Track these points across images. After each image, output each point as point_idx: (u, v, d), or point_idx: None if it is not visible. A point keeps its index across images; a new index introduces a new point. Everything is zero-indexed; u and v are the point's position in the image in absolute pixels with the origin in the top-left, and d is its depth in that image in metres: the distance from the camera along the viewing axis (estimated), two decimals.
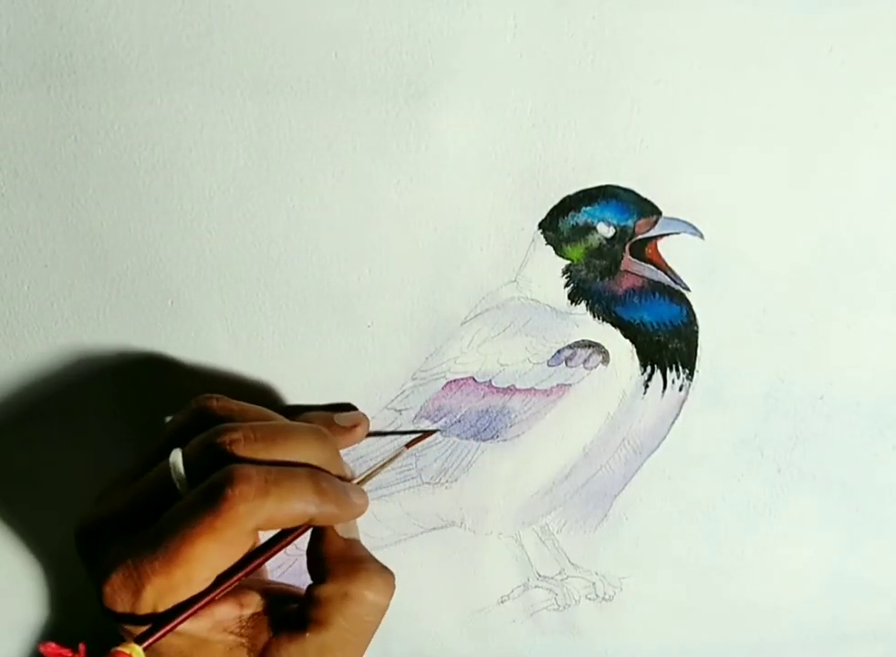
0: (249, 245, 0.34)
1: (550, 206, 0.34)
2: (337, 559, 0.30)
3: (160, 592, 0.27)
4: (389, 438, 0.37)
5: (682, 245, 0.35)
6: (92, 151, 0.32)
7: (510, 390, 0.37)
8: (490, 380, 0.37)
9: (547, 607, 0.42)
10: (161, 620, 0.27)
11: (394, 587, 0.30)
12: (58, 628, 0.41)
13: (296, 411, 0.36)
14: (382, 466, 0.35)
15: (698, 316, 0.36)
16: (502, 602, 0.41)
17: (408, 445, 0.36)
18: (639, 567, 0.41)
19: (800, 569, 0.42)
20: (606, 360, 0.36)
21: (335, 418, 0.35)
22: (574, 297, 0.36)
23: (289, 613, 0.31)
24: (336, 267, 0.35)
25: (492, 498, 0.39)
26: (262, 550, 0.29)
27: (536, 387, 0.37)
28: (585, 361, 0.36)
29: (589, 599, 0.41)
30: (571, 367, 0.36)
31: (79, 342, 0.36)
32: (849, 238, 0.35)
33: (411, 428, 0.37)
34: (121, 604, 0.27)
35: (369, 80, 0.32)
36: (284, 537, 0.30)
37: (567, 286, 0.35)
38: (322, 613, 0.29)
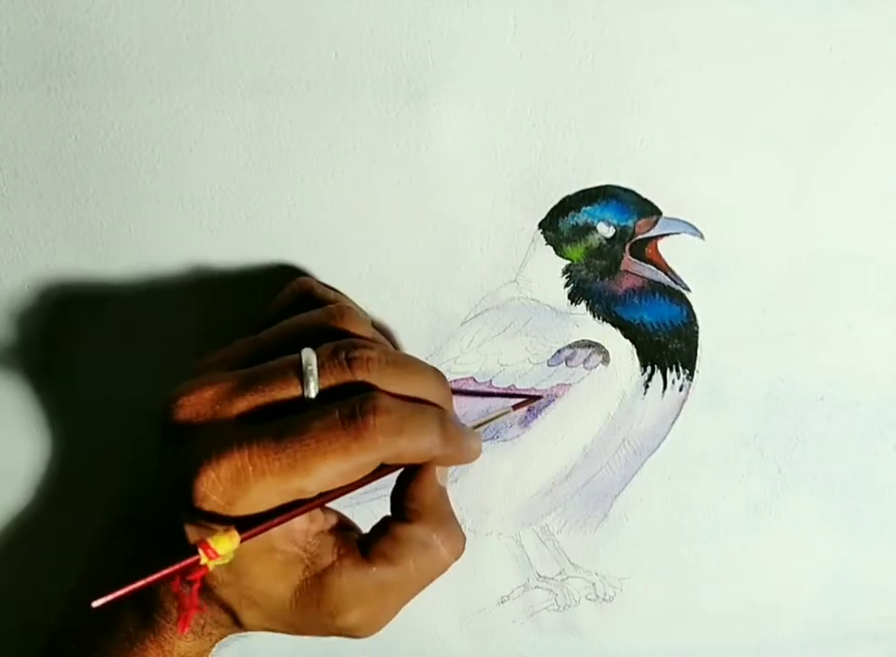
0: (250, 244, 0.34)
1: (550, 206, 0.34)
2: (430, 506, 0.29)
3: (267, 494, 0.25)
4: None
5: (683, 246, 0.35)
6: (92, 151, 0.32)
7: (510, 390, 0.37)
8: (490, 381, 0.37)
9: (547, 607, 0.42)
10: (245, 521, 0.25)
11: (463, 551, 0.30)
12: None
13: None
14: (492, 420, 0.35)
15: (698, 316, 0.36)
16: (502, 603, 0.41)
17: (515, 407, 0.35)
18: (639, 567, 0.41)
19: (800, 569, 0.42)
20: (606, 361, 0.36)
21: None
22: (574, 297, 0.36)
23: (355, 542, 0.29)
24: (336, 267, 0.35)
25: (492, 499, 0.39)
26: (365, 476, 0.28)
27: (537, 387, 0.37)
28: (585, 361, 0.36)
29: (589, 599, 0.41)
30: (571, 367, 0.36)
31: (79, 341, 0.36)
32: (850, 238, 0.35)
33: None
34: (221, 494, 0.25)
35: (369, 80, 0.32)
36: (385, 466, 0.29)
37: (567, 286, 0.35)
38: (396, 551, 0.29)
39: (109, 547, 0.35)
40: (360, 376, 0.27)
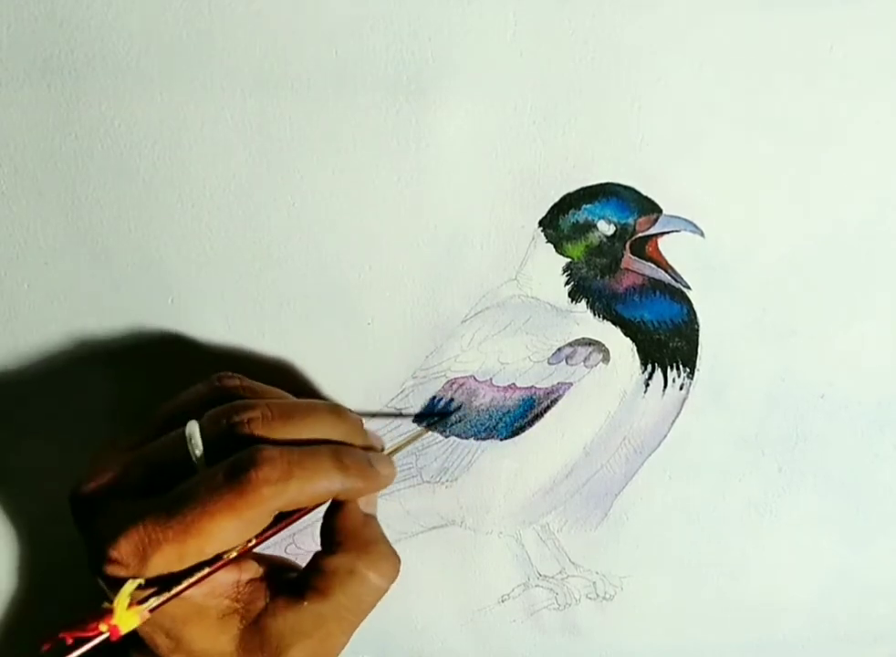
0: (249, 243, 0.34)
1: (551, 204, 0.34)
2: (351, 534, 0.30)
3: (168, 561, 0.26)
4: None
5: (683, 243, 0.35)
6: (93, 149, 0.32)
7: (510, 388, 0.37)
8: (490, 379, 0.37)
9: (548, 606, 0.41)
10: (162, 586, 0.27)
11: (398, 573, 0.31)
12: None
13: None
14: (407, 443, 0.35)
15: (699, 314, 0.36)
16: (502, 602, 0.41)
17: (428, 427, 0.36)
18: (639, 566, 0.41)
19: (800, 569, 0.41)
20: (606, 359, 0.36)
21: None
22: (574, 295, 0.35)
23: (287, 581, 0.31)
24: (336, 265, 0.35)
25: (492, 497, 0.39)
26: (274, 522, 0.29)
27: (537, 385, 0.37)
28: (585, 360, 0.36)
29: (590, 598, 0.41)
30: (572, 365, 0.36)
31: (79, 341, 0.36)
32: (850, 237, 0.35)
33: (412, 427, 0.37)
34: (125, 569, 0.26)
35: (369, 78, 0.32)
36: (298, 510, 0.29)
37: (567, 284, 0.35)
38: (324, 583, 0.29)
39: None
40: (245, 436, 0.28)
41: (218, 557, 0.28)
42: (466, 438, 0.38)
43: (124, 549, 0.26)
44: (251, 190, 0.33)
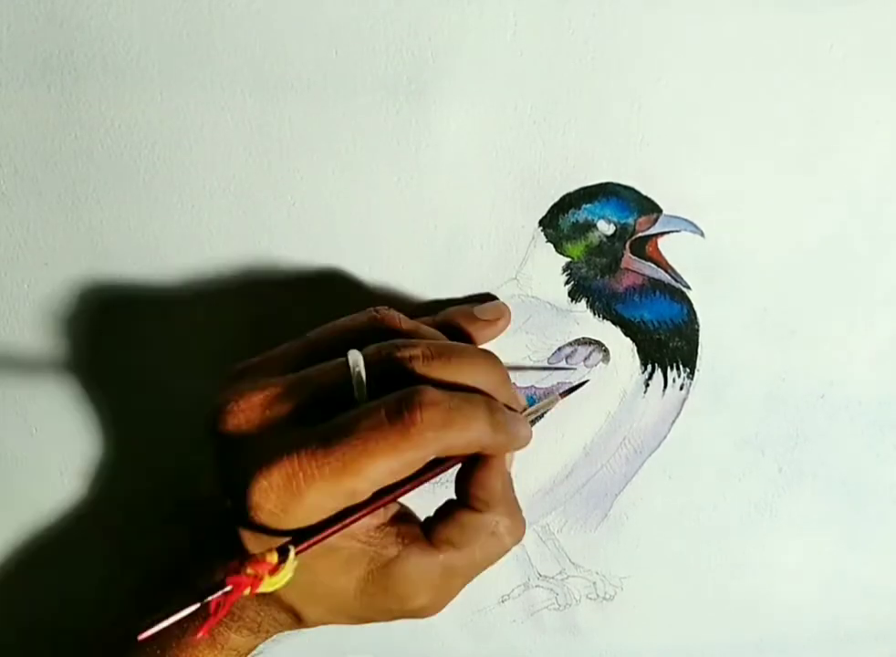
0: (249, 243, 0.34)
1: (551, 204, 0.34)
2: (498, 495, 0.29)
3: (321, 498, 0.25)
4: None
5: (683, 243, 0.35)
6: (92, 149, 0.32)
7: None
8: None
9: (548, 606, 0.41)
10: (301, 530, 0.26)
11: (523, 537, 0.31)
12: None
13: (436, 307, 0.35)
14: (540, 409, 0.33)
15: (699, 314, 0.36)
16: (502, 602, 0.41)
17: (562, 395, 0.34)
18: (639, 566, 0.41)
19: (800, 569, 0.41)
20: (606, 359, 0.36)
21: (475, 311, 0.34)
22: (574, 295, 0.35)
23: (419, 528, 0.30)
24: (336, 265, 0.35)
25: None
26: (421, 472, 0.28)
27: (537, 385, 0.36)
28: (585, 359, 0.36)
29: (590, 598, 0.41)
30: (572, 365, 0.36)
31: (79, 340, 0.36)
32: (850, 237, 0.35)
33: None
34: (275, 503, 0.25)
35: (369, 78, 0.32)
36: (441, 463, 0.29)
37: (567, 283, 0.35)
38: (463, 538, 0.29)
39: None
40: (407, 373, 0.27)
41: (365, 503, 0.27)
42: None
43: (276, 480, 0.25)
44: (251, 190, 0.33)
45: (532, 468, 0.38)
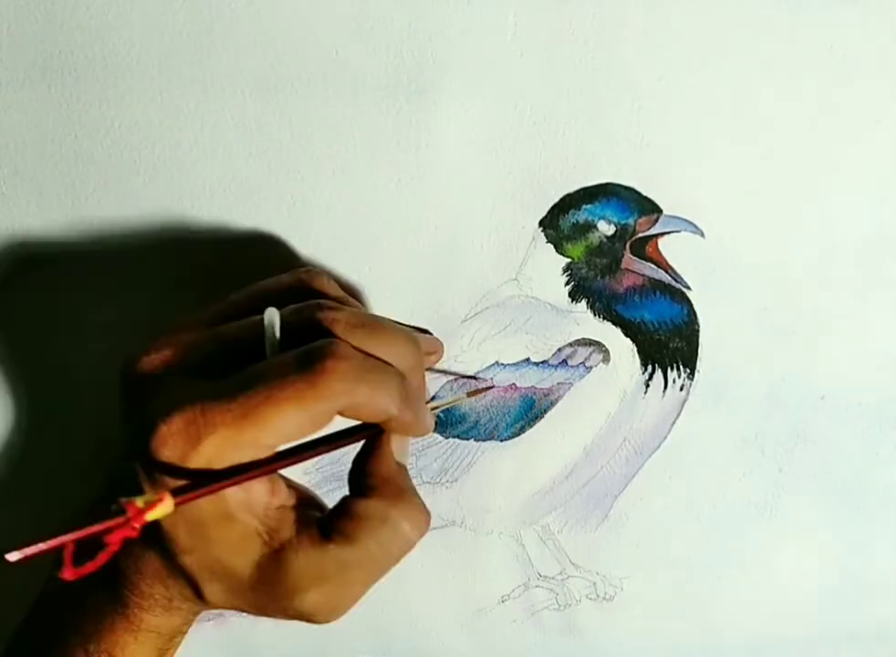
0: (249, 244, 0.34)
1: (551, 204, 0.34)
2: (386, 480, 0.29)
3: (220, 447, 0.25)
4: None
5: (683, 244, 0.35)
6: (92, 150, 0.32)
7: (511, 388, 0.37)
8: (491, 379, 0.36)
9: (548, 607, 0.41)
10: (200, 479, 0.25)
11: (428, 528, 0.29)
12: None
13: None
14: (444, 404, 0.34)
15: (699, 315, 0.36)
16: (502, 602, 0.41)
17: (469, 394, 0.35)
18: (639, 567, 0.41)
19: (801, 569, 0.41)
20: (606, 359, 0.36)
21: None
22: (574, 296, 0.35)
23: (315, 518, 0.29)
24: (336, 265, 0.35)
25: (492, 498, 0.39)
26: (321, 442, 0.28)
27: (537, 386, 0.36)
28: (585, 360, 0.36)
29: (590, 598, 0.41)
30: (572, 366, 0.36)
31: (79, 340, 0.36)
32: (851, 237, 0.35)
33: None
34: (172, 449, 0.25)
35: (369, 78, 0.32)
36: (343, 437, 0.28)
37: (567, 284, 0.35)
38: (353, 528, 0.28)
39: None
40: (326, 335, 0.27)
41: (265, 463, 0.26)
42: (466, 439, 0.38)
43: (176, 426, 0.25)
44: (251, 190, 0.33)
45: (532, 468, 0.38)
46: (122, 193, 0.33)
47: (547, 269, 0.35)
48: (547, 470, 0.39)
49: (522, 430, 0.37)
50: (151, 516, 0.24)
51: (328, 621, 0.29)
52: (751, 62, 0.32)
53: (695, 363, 0.37)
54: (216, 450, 0.25)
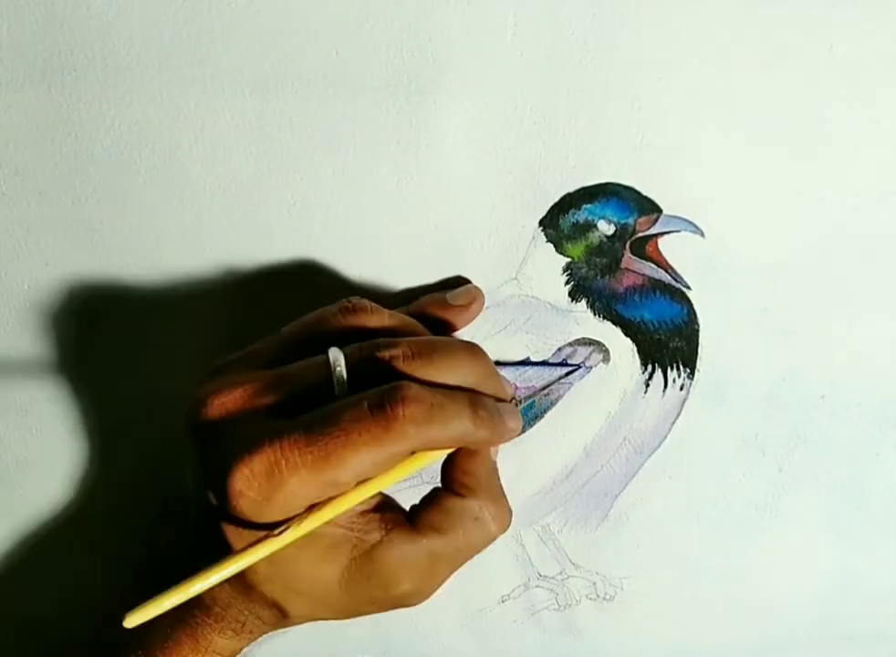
0: (249, 243, 0.34)
1: (551, 204, 0.34)
2: (484, 482, 0.30)
3: (302, 489, 0.25)
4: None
5: (683, 243, 0.35)
6: (93, 149, 0.32)
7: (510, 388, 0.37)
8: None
9: (548, 607, 0.41)
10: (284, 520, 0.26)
11: (510, 526, 0.31)
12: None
13: (410, 296, 0.35)
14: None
15: (699, 314, 0.36)
16: (502, 602, 0.41)
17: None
18: (639, 567, 0.41)
19: (801, 569, 0.41)
20: (606, 359, 0.36)
21: (448, 297, 0.34)
22: (574, 295, 0.35)
23: (402, 514, 0.30)
24: (336, 265, 0.35)
25: None
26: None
27: (537, 385, 0.36)
28: (585, 359, 0.36)
29: (590, 598, 0.41)
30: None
31: (79, 340, 0.36)
32: (851, 237, 0.35)
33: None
34: (255, 491, 0.25)
35: (369, 78, 0.32)
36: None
37: (567, 283, 0.35)
38: (447, 523, 0.29)
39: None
40: (389, 372, 0.27)
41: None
42: None
43: (258, 467, 0.25)
44: (251, 190, 0.33)
45: (532, 468, 0.38)
46: (122, 193, 0.33)
47: (547, 269, 0.35)
48: (547, 469, 0.39)
49: (522, 429, 0.37)
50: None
51: (417, 604, 0.31)
52: (751, 62, 0.32)
53: (695, 363, 0.37)
54: (299, 489, 0.25)
